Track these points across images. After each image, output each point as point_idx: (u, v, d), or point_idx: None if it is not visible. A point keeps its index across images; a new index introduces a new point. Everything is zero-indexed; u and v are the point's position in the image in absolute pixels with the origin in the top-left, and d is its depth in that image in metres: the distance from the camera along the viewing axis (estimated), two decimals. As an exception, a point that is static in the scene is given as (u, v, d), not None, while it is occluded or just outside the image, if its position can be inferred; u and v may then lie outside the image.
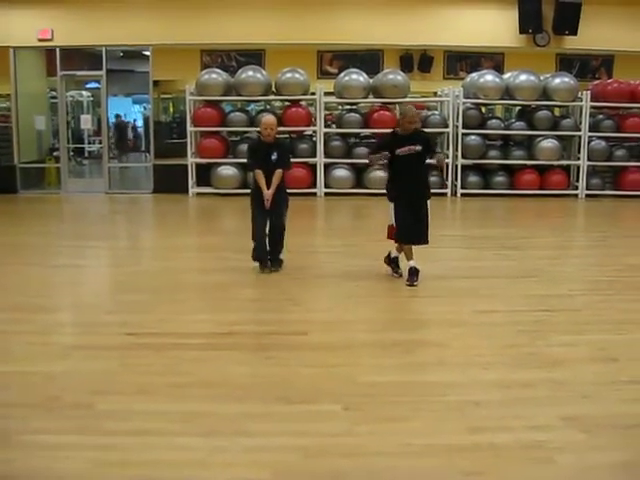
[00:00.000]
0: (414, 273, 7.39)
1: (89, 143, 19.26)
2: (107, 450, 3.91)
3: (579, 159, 15.18)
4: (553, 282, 7.79)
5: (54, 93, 16.98)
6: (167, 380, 4.91)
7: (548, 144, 15.06)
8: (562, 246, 10.39)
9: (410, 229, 7.41)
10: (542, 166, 15.21)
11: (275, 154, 7.76)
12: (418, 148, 7.44)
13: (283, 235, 7.92)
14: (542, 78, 15.17)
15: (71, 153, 17.45)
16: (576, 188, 15.26)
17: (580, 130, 15.13)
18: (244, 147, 14.94)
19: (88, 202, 15.34)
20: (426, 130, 15.16)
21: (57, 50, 15.87)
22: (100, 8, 15.06)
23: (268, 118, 8.21)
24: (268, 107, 16.72)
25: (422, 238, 7.46)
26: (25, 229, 11.82)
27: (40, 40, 15.43)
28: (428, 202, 7.53)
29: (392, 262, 7.78)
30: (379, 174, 14.91)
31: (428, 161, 7.69)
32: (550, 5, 15.08)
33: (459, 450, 3.89)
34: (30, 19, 15.30)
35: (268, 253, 7.89)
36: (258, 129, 15.03)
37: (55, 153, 16.99)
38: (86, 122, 18.30)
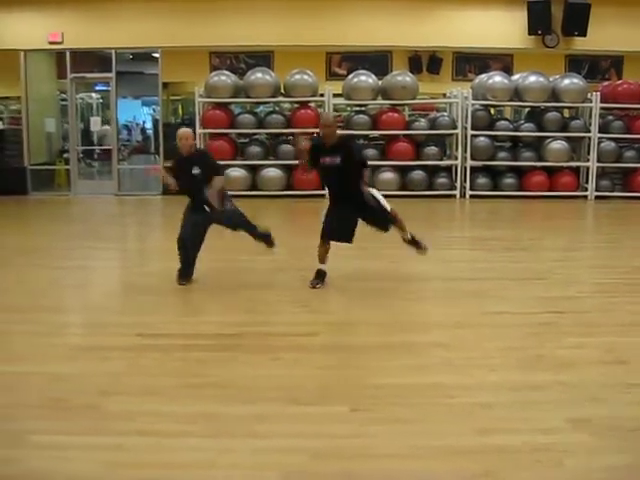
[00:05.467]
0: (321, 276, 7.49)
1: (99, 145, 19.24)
2: (116, 451, 3.93)
3: (588, 160, 15.13)
4: (562, 284, 7.77)
5: (64, 95, 17.03)
6: (176, 381, 4.93)
7: (557, 145, 15.02)
8: (571, 248, 10.37)
9: (333, 228, 7.39)
10: (551, 168, 15.17)
11: (196, 168, 7.47)
12: (337, 161, 7.21)
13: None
14: (551, 79, 15.13)
15: (80, 155, 17.48)
16: (585, 190, 15.22)
17: (590, 131, 15.08)
18: (253, 149, 15.10)
19: (97, 204, 15.38)
20: (434, 132, 15.31)
21: (67, 53, 15.94)
22: (109, 11, 15.13)
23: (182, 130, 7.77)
24: (277, 109, 16.74)
25: (343, 237, 7.43)
26: (34, 230, 11.88)
27: (50, 43, 15.49)
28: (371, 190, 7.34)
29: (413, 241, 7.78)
30: (388, 175, 14.95)
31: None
32: (559, 6, 15.05)
33: (466, 452, 3.89)
34: (40, 22, 15.36)
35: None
36: (267, 131, 15.18)
37: (65, 155, 17.06)
38: (96, 124, 18.33)
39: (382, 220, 7.52)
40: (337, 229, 7.37)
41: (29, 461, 3.84)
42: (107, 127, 18.29)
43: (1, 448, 3.97)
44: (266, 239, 7.94)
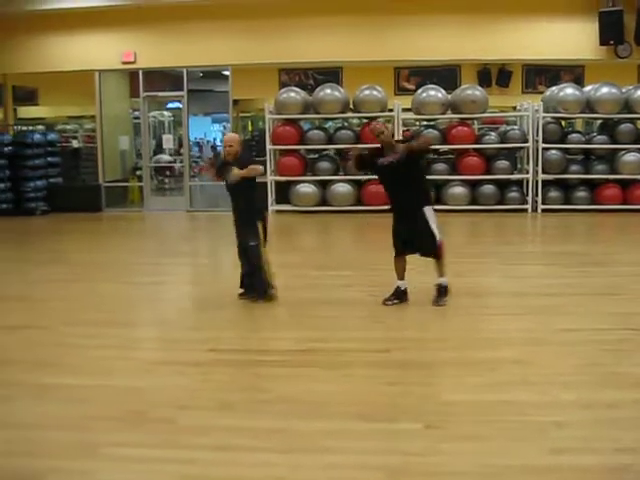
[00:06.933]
0: (398, 294, 7.32)
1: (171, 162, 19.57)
2: (189, 464, 3.98)
3: (664, 173, 14.80)
4: (638, 300, 7.59)
5: (137, 114, 17.41)
6: (248, 396, 4.98)
7: (631, 158, 14.71)
8: (647, 262, 10.12)
9: (403, 241, 7.24)
10: (625, 180, 14.84)
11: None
12: (391, 159, 7.10)
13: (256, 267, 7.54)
14: (624, 90, 14.85)
15: (153, 172, 17.82)
16: (661, 203, 14.87)
17: (665, 143, 14.75)
18: (323, 165, 15.19)
19: (169, 220, 15.64)
20: (504, 146, 15.16)
21: (140, 72, 16.31)
22: (181, 30, 15.42)
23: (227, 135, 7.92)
24: (346, 124, 16.81)
25: (416, 249, 7.28)
26: (109, 246, 12.14)
27: (124, 63, 15.88)
28: (425, 210, 7.17)
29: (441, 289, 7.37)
30: (458, 190, 14.86)
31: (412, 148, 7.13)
32: (632, 15, 14.75)
33: (541, 472, 3.82)
34: (114, 43, 15.77)
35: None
36: (336, 147, 15.22)
37: (138, 172, 17.40)
38: (168, 142, 18.68)
39: (428, 244, 7.22)
40: (405, 243, 7.27)
41: (102, 473, 3.93)
42: (162, 155, 18.65)
43: (75, 459, 4.06)
44: (261, 292, 7.58)
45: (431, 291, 7.42)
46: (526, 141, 15.07)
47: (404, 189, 7.20)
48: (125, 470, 3.95)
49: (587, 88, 15.40)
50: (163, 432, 4.38)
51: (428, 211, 7.21)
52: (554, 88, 15.54)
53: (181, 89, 16.44)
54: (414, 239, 7.24)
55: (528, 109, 15.23)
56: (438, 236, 7.19)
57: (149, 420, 4.56)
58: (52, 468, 3.96)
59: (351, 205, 15.05)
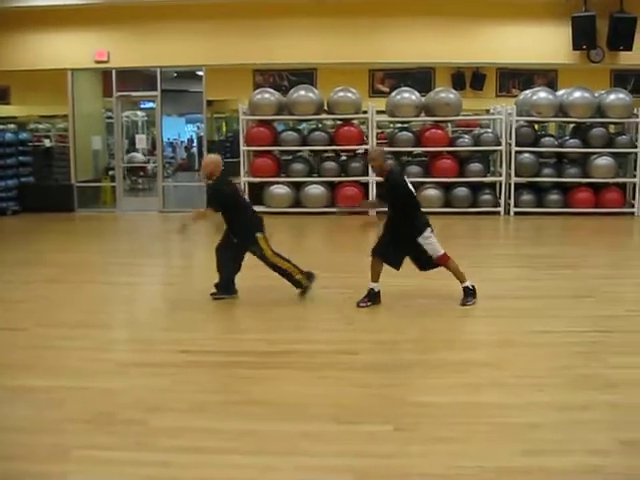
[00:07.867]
0: (372, 296, 7.39)
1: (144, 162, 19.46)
2: (161, 467, 3.96)
3: (635, 176, 14.93)
4: (610, 302, 7.65)
5: (110, 113, 17.29)
6: (220, 398, 4.95)
7: (603, 161, 14.84)
8: (618, 265, 10.20)
9: (384, 248, 7.32)
10: (597, 184, 14.96)
11: None
12: (384, 194, 7.51)
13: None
14: (597, 95, 14.97)
15: (125, 172, 17.69)
16: (632, 206, 15.00)
17: (636, 147, 14.85)
18: (297, 166, 15.18)
19: (142, 220, 15.53)
20: (478, 149, 15.22)
21: (113, 71, 16.19)
22: (155, 30, 15.32)
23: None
24: (320, 126, 16.79)
25: (391, 262, 7.38)
26: (81, 247, 12.03)
27: (97, 62, 15.72)
28: (419, 240, 7.21)
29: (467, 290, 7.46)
30: (431, 192, 14.90)
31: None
32: (604, 20, 14.85)
33: (512, 473, 3.83)
34: (87, 41, 15.60)
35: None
36: (310, 148, 15.21)
37: (110, 172, 17.27)
38: (141, 141, 18.57)
39: (423, 261, 7.39)
40: (388, 252, 7.31)
41: (75, 476, 3.90)
42: (135, 153, 18.58)
43: (48, 462, 4.02)
44: (297, 285, 7.71)
45: (404, 294, 7.46)
46: (499, 144, 15.15)
47: (397, 220, 7.34)
48: (97, 473, 3.92)
49: (560, 92, 15.52)
50: (135, 434, 4.35)
51: (422, 239, 7.24)
52: (527, 92, 15.63)
53: (155, 89, 16.33)
54: (407, 255, 7.38)
55: (501, 112, 15.31)
56: (434, 255, 7.27)
57: (121, 422, 4.53)
58: (24, 471, 3.92)
59: (325, 206, 15.04)
